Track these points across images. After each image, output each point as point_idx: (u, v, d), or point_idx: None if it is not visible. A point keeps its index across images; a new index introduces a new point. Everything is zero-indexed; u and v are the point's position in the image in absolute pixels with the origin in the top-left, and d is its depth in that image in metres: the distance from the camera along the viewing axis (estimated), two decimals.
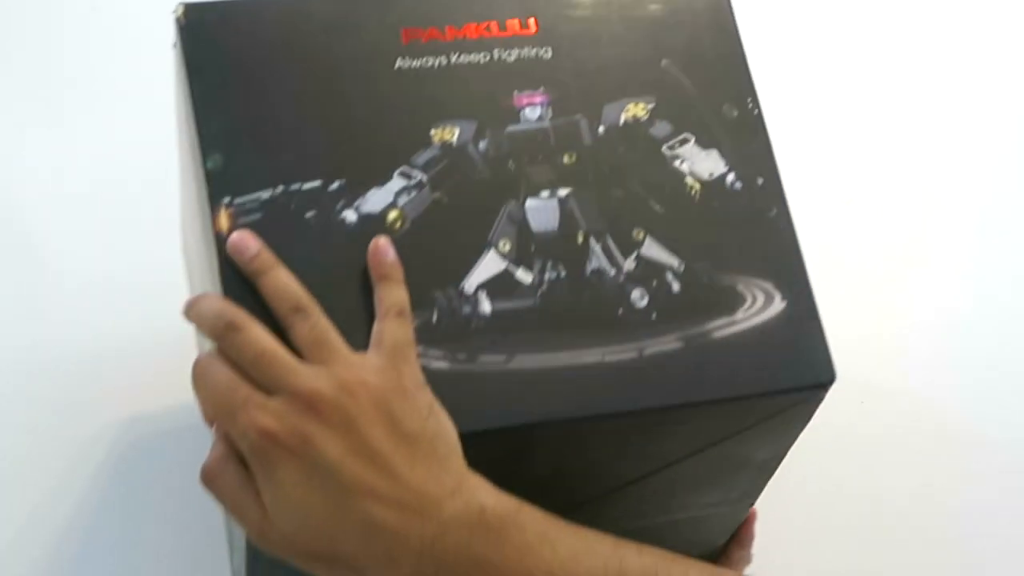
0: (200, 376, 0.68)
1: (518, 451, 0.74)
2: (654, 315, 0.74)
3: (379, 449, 0.66)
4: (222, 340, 0.68)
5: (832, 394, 1.02)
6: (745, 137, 0.79)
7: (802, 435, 0.98)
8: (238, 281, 0.71)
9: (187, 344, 0.92)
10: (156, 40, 1.07)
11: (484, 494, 0.68)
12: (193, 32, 0.76)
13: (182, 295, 0.75)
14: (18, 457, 0.97)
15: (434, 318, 0.72)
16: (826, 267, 1.05)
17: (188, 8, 0.76)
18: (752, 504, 0.90)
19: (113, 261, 1.06)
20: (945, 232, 1.12)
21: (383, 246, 0.72)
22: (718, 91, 0.80)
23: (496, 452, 0.72)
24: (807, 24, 1.24)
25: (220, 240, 0.72)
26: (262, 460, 0.66)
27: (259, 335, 0.68)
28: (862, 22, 1.24)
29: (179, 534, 0.94)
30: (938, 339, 1.05)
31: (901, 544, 0.98)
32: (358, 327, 0.71)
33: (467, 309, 0.73)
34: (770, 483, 1.00)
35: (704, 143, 0.79)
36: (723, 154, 0.78)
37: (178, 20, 0.76)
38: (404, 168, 0.75)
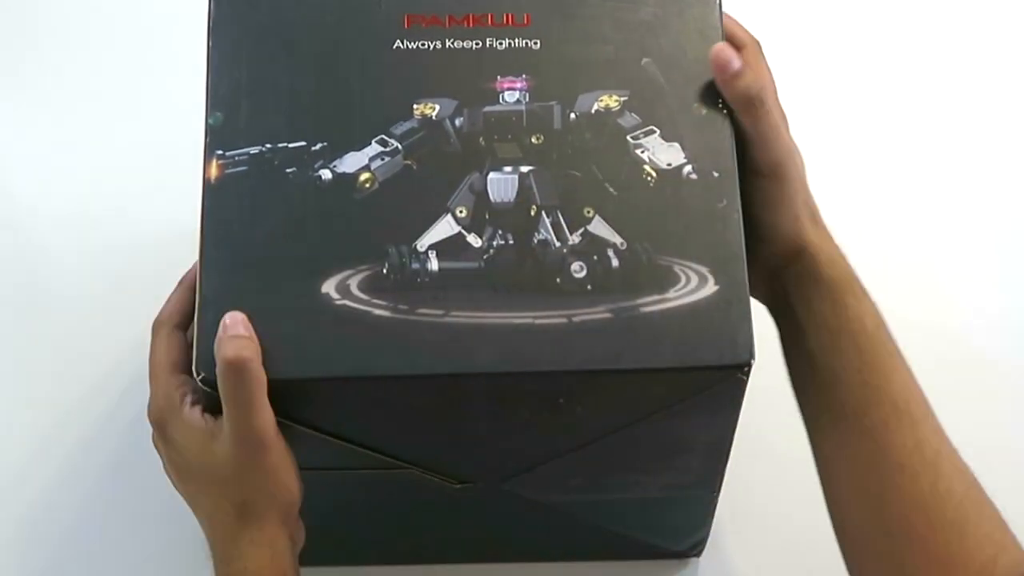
0: None
1: (449, 402, 0.80)
2: (589, 286, 0.79)
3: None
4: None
5: None
6: (709, 134, 0.83)
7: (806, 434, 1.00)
8: (221, 230, 0.81)
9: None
10: (157, 41, 1.17)
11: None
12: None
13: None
14: (19, 455, 1.07)
15: (384, 270, 0.79)
16: None
17: None
18: (714, 492, 0.93)
19: (113, 260, 1.14)
20: (946, 232, 1.13)
21: None
22: (691, 91, 0.84)
23: (429, 401, 0.79)
24: (808, 25, 1.25)
25: (207, 186, 0.81)
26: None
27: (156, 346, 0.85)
28: (863, 22, 1.25)
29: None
30: (938, 340, 1.05)
31: None
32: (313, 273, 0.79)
33: (416, 265, 0.80)
34: (770, 481, 1.02)
35: (668, 136, 0.83)
36: (684, 147, 0.83)
37: None
38: (382, 136, 0.83)
